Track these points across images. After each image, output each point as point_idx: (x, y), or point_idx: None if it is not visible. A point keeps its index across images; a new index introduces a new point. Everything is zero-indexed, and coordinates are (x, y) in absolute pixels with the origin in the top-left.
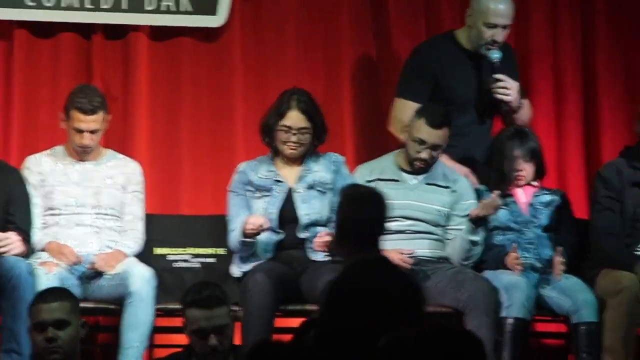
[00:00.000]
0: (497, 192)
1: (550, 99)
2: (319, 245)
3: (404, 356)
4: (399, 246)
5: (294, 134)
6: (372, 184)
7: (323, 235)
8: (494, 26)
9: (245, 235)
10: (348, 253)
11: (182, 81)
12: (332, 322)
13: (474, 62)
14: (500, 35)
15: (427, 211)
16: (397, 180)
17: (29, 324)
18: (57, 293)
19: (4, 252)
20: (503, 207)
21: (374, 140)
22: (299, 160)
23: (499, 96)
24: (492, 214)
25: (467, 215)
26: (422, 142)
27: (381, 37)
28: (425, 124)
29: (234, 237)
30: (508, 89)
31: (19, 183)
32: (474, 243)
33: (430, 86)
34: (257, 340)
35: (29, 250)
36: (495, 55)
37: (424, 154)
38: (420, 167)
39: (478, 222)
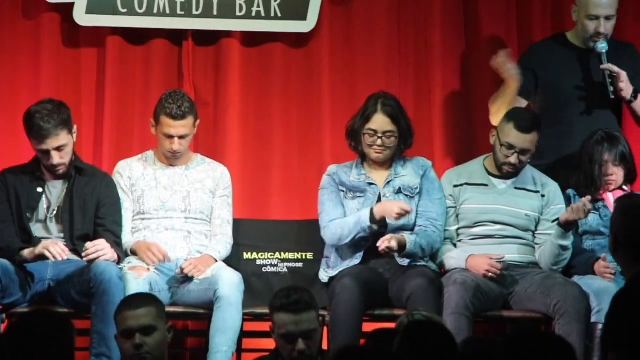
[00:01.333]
0: (587, 196)
1: None
2: (381, 249)
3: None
4: (487, 251)
5: (380, 138)
6: (460, 189)
7: (385, 240)
8: (596, 18)
9: (378, 221)
10: (627, 264)
11: (272, 86)
12: (616, 330)
13: (584, 58)
14: (603, 26)
15: (516, 216)
16: (485, 185)
17: (116, 331)
18: (141, 299)
19: (96, 258)
20: (593, 211)
21: (463, 145)
22: (386, 164)
23: (609, 86)
24: (582, 219)
25: (557, 220)
26: (510, 146)
27: (473, 41)
28: (514, 129)
29: (346, 223)
30: (616, 78)
31: (110, 188)
32: (563, 248)
33: (533, 83)
34: (342, 345)
35: (121, 255)
36: (602, 45)
37: (513, 159)
38: (508, 172)
39: (568, 226)
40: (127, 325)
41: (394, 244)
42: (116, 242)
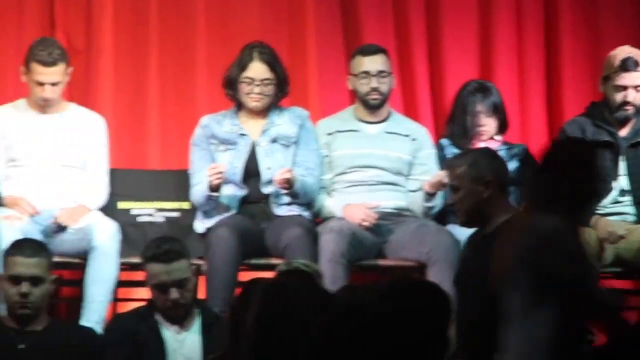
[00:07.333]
0: (442, 172)
1: (513, 52)
2: (279, 181)
3: (369, 310)
4: (362, 199)
5: (257, 86)
6: (332, 136)
7: (284, 172)
8: None
9: (210, 186)
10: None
11: (147, 34)
12: None
13: None
14: None
15: (389, 159)
16: (356, 131)
17: (1, 272)
18: (35, 248)
19: None
20: None
21: (338, 95)
22: (262, 113)
23: None
24: (442, 190)
25: (427, 164)
26: (366, 73)
27: None
28: (360, 56)
29: (198, 191)
30: None
31: None
32: (429, 208)
33: None
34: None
35: None
36: None
37: (374, 83)
38: (375, 100)
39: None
40: (16, 270)
41: (291, 176)
42: None
